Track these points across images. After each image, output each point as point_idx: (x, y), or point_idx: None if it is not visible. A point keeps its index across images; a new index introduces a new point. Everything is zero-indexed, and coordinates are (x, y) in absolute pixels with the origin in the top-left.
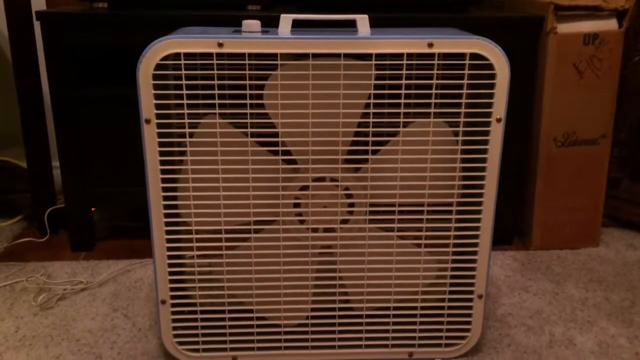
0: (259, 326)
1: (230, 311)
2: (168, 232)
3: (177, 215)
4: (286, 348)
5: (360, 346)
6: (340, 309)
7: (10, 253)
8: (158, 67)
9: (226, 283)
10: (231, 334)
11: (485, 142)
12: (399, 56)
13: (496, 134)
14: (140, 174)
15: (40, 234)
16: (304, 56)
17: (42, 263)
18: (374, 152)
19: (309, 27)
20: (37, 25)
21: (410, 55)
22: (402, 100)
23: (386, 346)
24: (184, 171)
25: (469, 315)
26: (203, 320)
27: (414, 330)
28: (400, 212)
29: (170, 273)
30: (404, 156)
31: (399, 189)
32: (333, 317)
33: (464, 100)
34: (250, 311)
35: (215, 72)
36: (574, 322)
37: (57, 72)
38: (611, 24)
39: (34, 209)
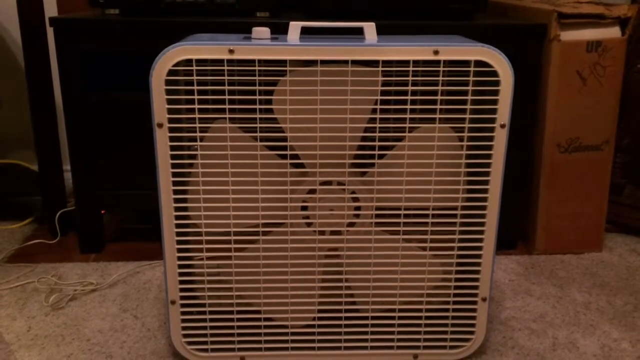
0: (266, 327)
1: (238, 312)
2: (178, 234)
3: (187, 217)
4: (293, 349)
5: (366, 347)
6: (347, 311)
7: (22, 254)
8: (170, 72)
9: (235, 284)
10: (239, 335)
11: (490, 148)
12: (405, 63)
13: (500, 139)
14: (150, 177)
15: (51, 235)
16: (312, 62)
17: (53, 264)
18: (380, 156)
19: (317, 35)
20: (49, 31)
21: (416, 62)
22: (408, 106)
23: (391, 347)
24: (194, 174)
25: (473, 317)
26: (212, 320)
27: (419, 332)
28: (406, 216)
29: (180, 274)
30: (409, 161)
31: (405, 193)
32: (339, 318)
33: (468, 106)
34: (258, 312)
35: (226, 77)
36: (577, 326)
37: (69, 77)
38: (614, 32)
39: (45, 212)
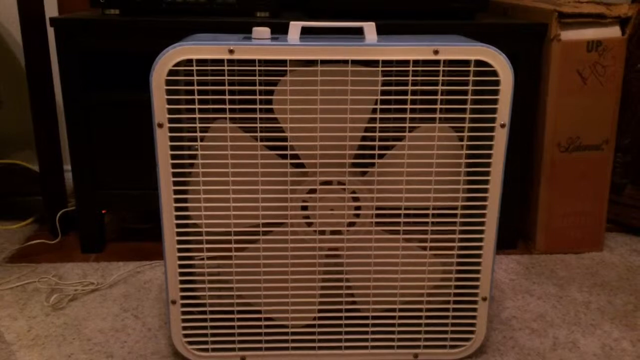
0: (267, 327)
1: (239, 312)
2: (179, 234)
3: (188, 217)
4: (294, 348)
5: (366, 347)
6: (347, 311)
7: (22, 255)
8: (170, 72)
9: (235, 284)
10: (240, 334)
11: (490, 147)
12: (405, 62)
13: (500, 139)
14: (150, 177)
15: (52, 236)
16: (312, 62)
17: (54, 264)
18: (381, 156)
19: (317, 34)
20: (50, 31)
21: (416, 62)
22: (408, 106)
23: (392, 347)
24: (194, 174)
25: (474, 317)
26: (212, 320)
27: (419, 332)
28: (406, 216)
29: (181, 274)
30: (409, 160)
31: (405, 192)
32: (340, 318)
33: (468, 106)
34: (259, 312)
35: (226, 77)
36: (578, 326)
37: (69, 77)
38: (614, 31)
39: (46, 212)
